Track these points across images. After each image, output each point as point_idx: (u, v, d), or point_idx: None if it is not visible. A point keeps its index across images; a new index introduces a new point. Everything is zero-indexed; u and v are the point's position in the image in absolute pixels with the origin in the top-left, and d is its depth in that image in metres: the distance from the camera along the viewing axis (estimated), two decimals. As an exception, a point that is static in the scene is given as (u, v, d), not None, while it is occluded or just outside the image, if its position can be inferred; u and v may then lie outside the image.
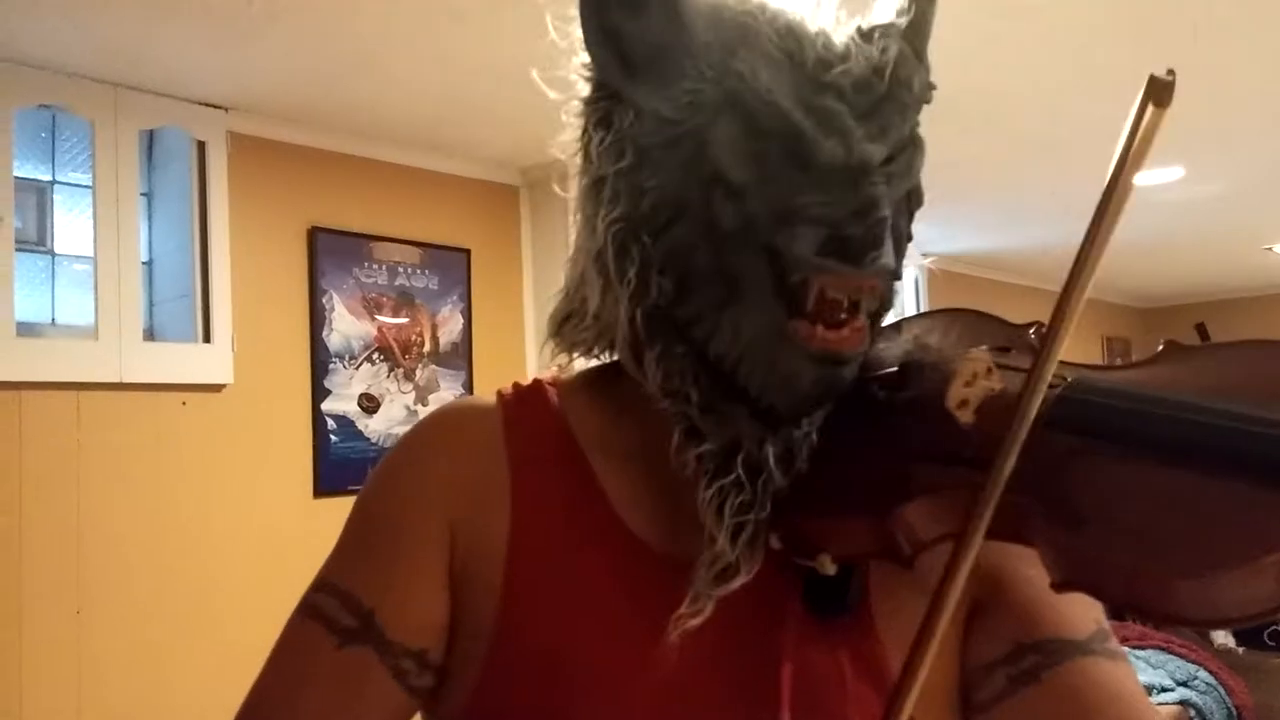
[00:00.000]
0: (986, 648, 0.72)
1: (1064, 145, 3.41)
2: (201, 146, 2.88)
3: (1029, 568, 0.61)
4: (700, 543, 0.69)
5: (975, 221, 4.67)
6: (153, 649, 2.69)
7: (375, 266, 3.27)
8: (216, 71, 2.64)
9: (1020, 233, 4.78)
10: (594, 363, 0.81)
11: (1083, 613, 0.72)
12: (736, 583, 0.67)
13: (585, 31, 0.72)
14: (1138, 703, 0.69)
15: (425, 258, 3.38)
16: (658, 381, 0.71)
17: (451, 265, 3.45)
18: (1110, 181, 0.60)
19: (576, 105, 0.75)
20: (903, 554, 0.64)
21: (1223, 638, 4.48)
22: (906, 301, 5.14)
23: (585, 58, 0.74)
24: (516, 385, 0.83)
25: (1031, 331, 0.71)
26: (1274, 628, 4.33)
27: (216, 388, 2.89)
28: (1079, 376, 0.64)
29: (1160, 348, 0.67)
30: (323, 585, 0.76)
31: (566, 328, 0.78)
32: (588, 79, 0.74)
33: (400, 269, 3.33)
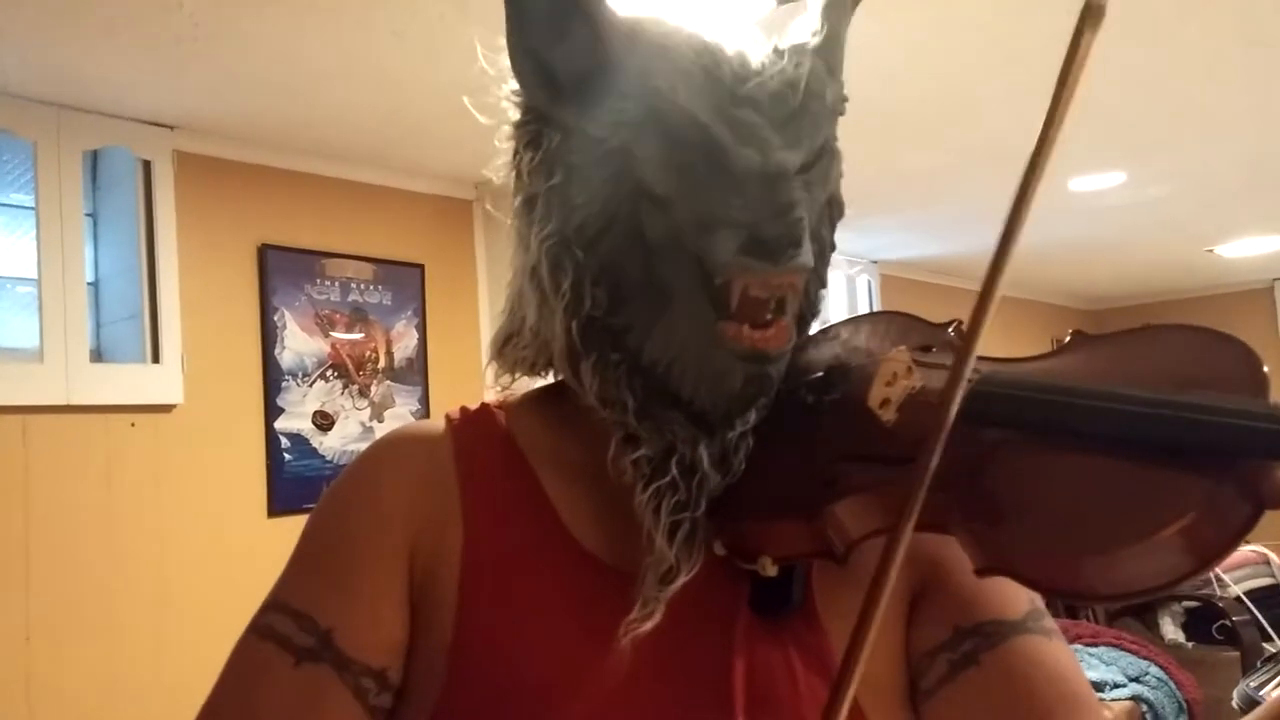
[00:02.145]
0: (927, 635, 0.75)
1: (1007, 152, 3.47)
2: (147, 166, 2.84)
3: (964, 554, 0.63)
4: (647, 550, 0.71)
5: (924, 228, 4.73)
6: (105, 675, 2.64)
7: (327, 283, 3.24)
8: (162, 91, 2.61)
9: (967, 238, 4.84)
10: (539, 382, 0.83)
11: (1016, 593, 0.74)
12: (678, 582, 0.69)
13: (513, 59, 0.75)
14: (1071, 676, 0.72)
15: (378, 273, 3.36)
16: (595, 390, 0.73)
17: (405, 281, 3.44)
18: (1050, 113, 0.63)
19: (507, 129, 0.78)
20: (836, 551, 0.67)
21: (1172, 633, 4.56)
22: (860, 307, 5.20)
23: (514, 84, 0.76)
24: (464, 409, 0.84)
25: (951, 329, 0.74)
26: (1222, 622, 4.41)
27: (166, 408, 2.85)
28: (989, 370, 0.66)
29: (1068, 338, 0.69)
30: (274, 606, 0.76)
31: (508, 348, 0.80)
32: (517, 104, 0.77)
33: (353, 285, 3.30)
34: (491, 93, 0.79)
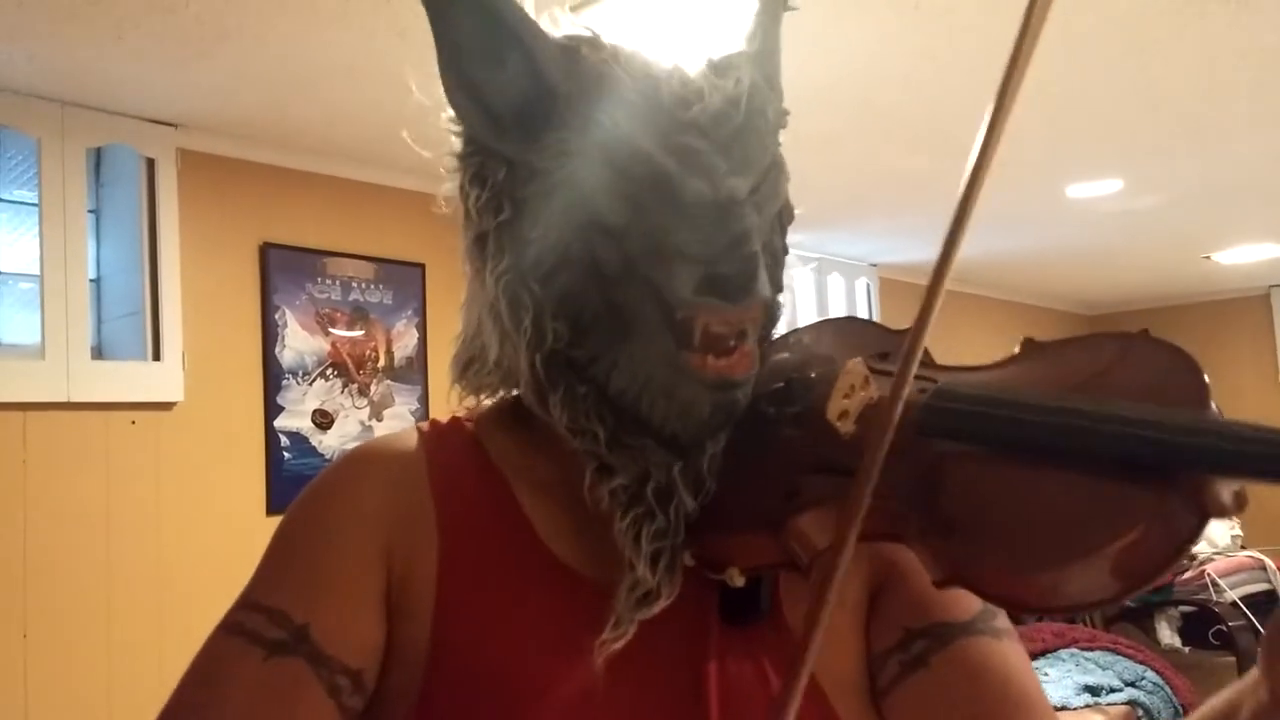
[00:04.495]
0: (882, 636, 0.75)
1: (1004, 156, 3.48)
2: (151, 163, 2.85)
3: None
4: (622, 565, 0.71)
5: (922, 232, 4.74)
6: (102, 672, 2.65)
7: (328, 282, 3.25)
8: (166, 89, 2.62)
9: (966, 241, 4.85)
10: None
11: (968, 595, 0.73)
12: (658, 607, 0.69)
13: (448, 91, 0.74)
14: (1019, 677, 0.72)
15: (379, 272, 3.37)
16: (564, 423, 0.72)
17: (406, 280, 3.44)
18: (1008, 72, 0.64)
19: (450, 160, 0.77)
20: (801, 562, 0.67)
21: (1169, 638, 4.58)
22: (859, 310, 5.21)
23: (452, 113, 0.75)
24: (434, 422, 0.84)
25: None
26: (1218, 627, 4.42)
27: (167, 406, 2.86)
28: (944, 382, 0.66)
29: (1018, 348, 0.70)
30: (244, 605, 0.75)
31: (470, 372, 0.80)
32: (457, 134, 0.76)
33: (354, 284, 3.31)
34: (431, 122, 0.77)
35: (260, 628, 0.72)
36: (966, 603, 0.74)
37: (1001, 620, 0.76)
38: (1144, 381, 0.61)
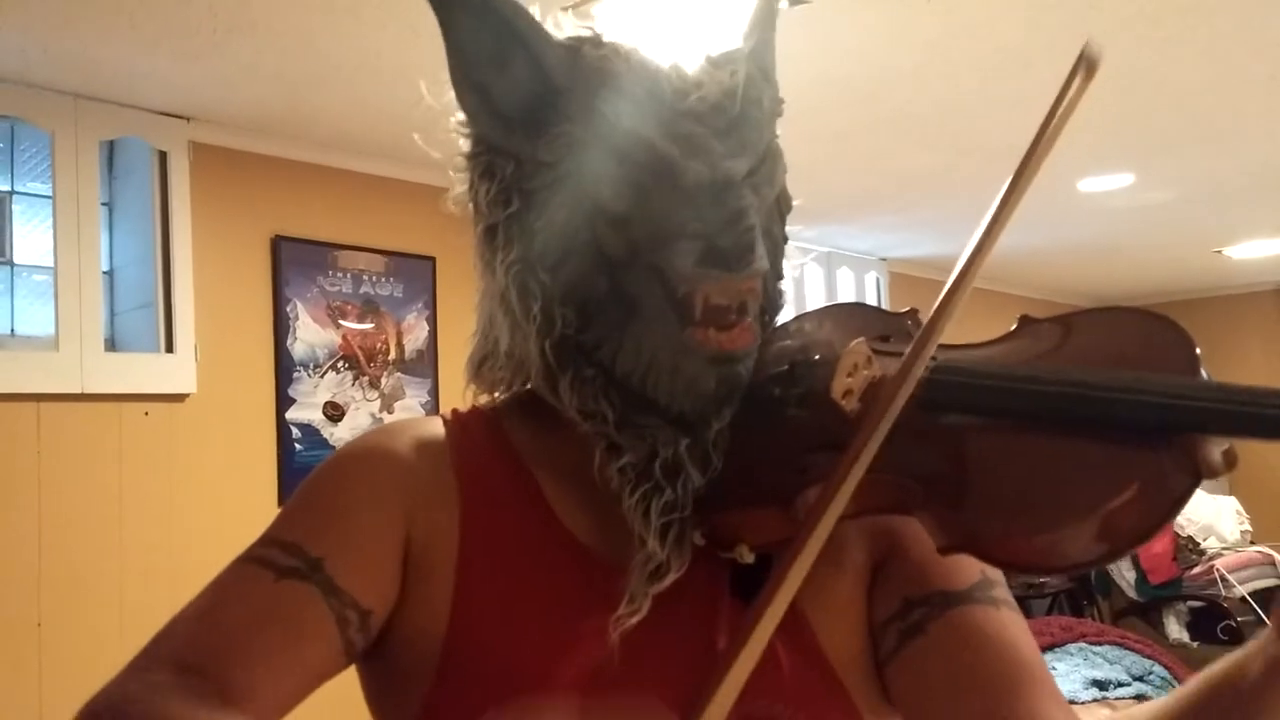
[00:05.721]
0: (882, 606, 0.77)
1: (1013, 152, 3.47)
2: (163, 156, 2.86)
3: (922, 528, 0.65)
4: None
5: (932, 226, 4.73)
6: (116, 661, 2.66)
7: (339, 275, 3.26)
8: (178, 82, 2.63)
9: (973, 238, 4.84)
10: None
11: (968, 565, 0.76)
12: (668, 580, 0.72)
13: (458, 92, 0.78)
14: (1015, 645, 0.74)
15: (390, 266, 3.38)
16: (574, 406, 0.75)
17: (417, 273, 3.45)
18: (1036, 139, 0.68)
19: (460, 161, 0.81)
20: None
21: (1177, 633, 4.57)
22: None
23: (462, 115, 0.79)
24: (456, 411, 0.87)
25: (908, 320, 0.78)
26: (1226, 622, 4.42)
27: (179, 397, 2.88)
28: (944, 358, 0.68)
29: (1015, 326, 0.72)
30: (261, 541, 0.77)
31: (484, 369, 0.83)
32: (466, 135, 0.80)
33: (365, 277, 3.32)
34: (442, 126, 0.81)
35: (275, 557, 0.74)
36: (965, 573, 0.76)
37: (1000, 591, 0.77)
38: (1135, 352, 0.63)
